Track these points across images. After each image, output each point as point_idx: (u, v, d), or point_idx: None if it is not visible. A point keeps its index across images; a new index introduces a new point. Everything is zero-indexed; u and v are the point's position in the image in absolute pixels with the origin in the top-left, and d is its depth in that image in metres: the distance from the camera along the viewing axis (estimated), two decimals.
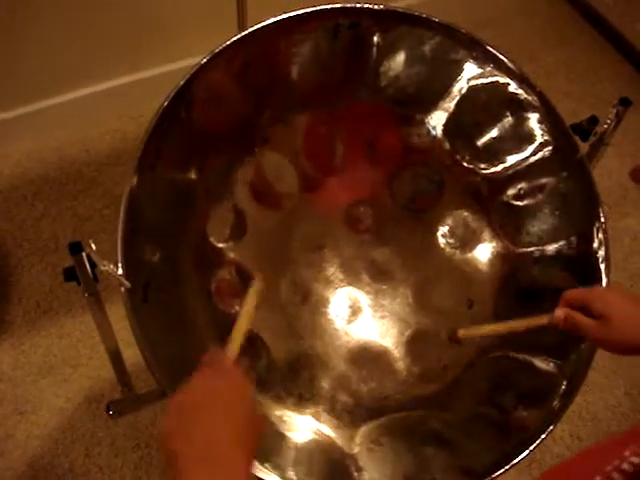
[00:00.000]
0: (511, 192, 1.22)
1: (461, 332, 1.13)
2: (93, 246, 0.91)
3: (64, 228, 1.78)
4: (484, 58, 1.17)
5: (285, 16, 1.10)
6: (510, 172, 1.21)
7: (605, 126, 1.18)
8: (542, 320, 1.00)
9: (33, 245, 1.75)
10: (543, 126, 1.17)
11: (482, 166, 1.23)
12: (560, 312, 0.96)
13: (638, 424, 0.80)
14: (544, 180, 1.18)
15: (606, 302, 0.92)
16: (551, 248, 1.18)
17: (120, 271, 0.95)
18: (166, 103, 1.03)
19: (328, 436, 1.13)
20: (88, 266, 0.94)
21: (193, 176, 1.14)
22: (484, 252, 1.26)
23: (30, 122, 1.87)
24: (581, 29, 2.39)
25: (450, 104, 1.22)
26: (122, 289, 0.95)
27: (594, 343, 1.00)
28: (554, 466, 0.90)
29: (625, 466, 0.66)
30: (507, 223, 1.24)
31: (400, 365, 1.24)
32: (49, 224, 1.78)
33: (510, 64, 1.16)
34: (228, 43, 1.07)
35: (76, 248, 0.92)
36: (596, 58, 2.32)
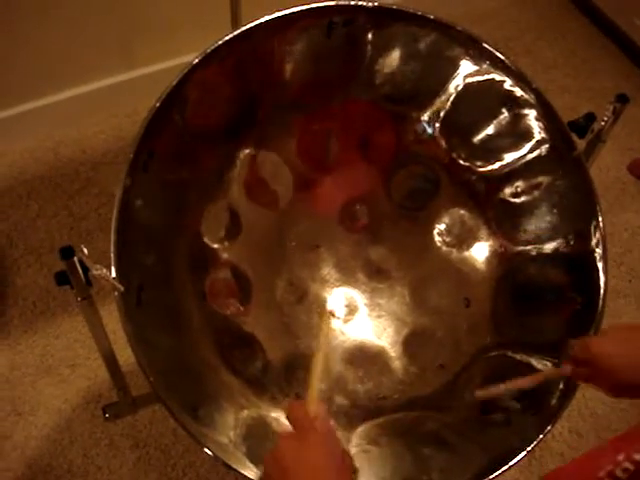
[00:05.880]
0: (508, 190, 1.21)
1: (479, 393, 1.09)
2: (85, 250, 0.90)
3: (60, 228, 1.76)
4: (480, 55, 1.16)
5: (279, 14, 1.09)
6: (507, 170, 1.20)
7: (602, 123, 1.17)
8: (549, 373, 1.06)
9: (29, 245, 1.74)
10: (540, 124, 1.16)
11: (478, 164, 1.23)
12: (567, 367, 0.98)
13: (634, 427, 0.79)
14: (541, 178, 1.17)
15: (588, 350, 0.93)
16: (548, 246, 1.17)
17: (113, 274, 0.94)
18: (158, 104, 1.02)
19: None
20: (80, 270, 0.93)
21: (187, 176, 1.14)
22: (481, 250, 1.25)
23: (25, 121, 1.86)
24: (579, 23, 2.38)
25: (446, 101, 1.21)
26: (115, 293, 0.94)
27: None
28: (550, 472, 0.90)
29: (618, 472, 0.65)
30: (504, 221, 1.23)
31: (397, 365, 1.23)
32: (45, 224, 1.77)
33: (506, 61, 1.15)
34: (220, 42, 1.06)
35: (68, 253, 0.91)
36: (594, 52, 2.30)
